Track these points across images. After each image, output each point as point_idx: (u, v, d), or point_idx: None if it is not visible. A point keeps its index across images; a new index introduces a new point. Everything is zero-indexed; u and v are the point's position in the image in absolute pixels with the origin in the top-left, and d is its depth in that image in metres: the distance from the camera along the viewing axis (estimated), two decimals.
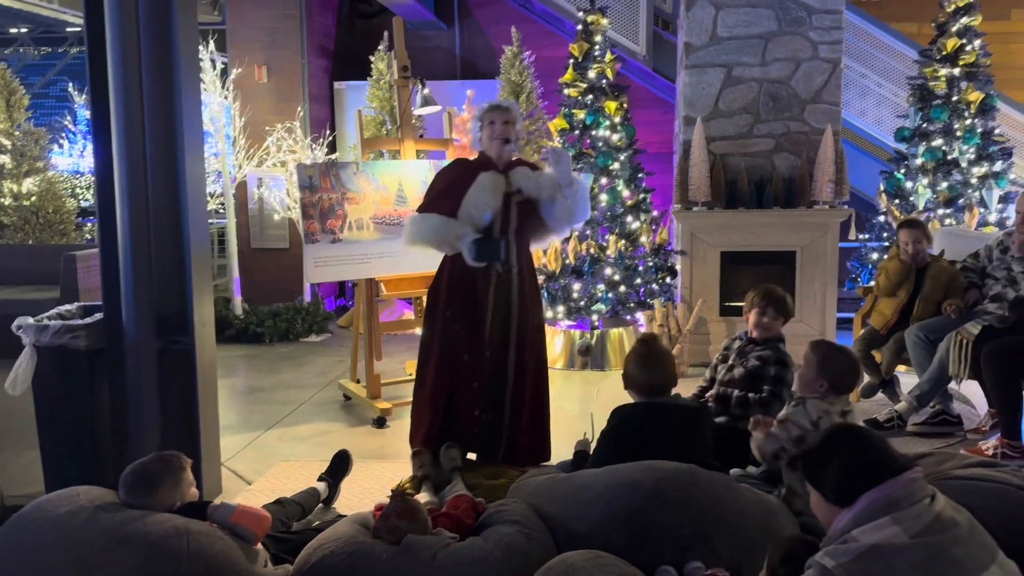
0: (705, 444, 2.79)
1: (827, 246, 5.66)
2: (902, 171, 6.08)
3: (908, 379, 4.73)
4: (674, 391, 2.91)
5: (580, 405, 4.98)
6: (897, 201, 6.02)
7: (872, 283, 5.23)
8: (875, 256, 6.03)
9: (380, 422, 4.52)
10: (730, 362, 3.55)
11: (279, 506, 3.03)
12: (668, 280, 5.91)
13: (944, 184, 5.87)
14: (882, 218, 6.12)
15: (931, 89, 5.96)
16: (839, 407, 2.87)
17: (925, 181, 5.91)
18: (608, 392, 5.17)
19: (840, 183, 5.63)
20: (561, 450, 4.06)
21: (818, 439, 2.01)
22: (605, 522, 2.49)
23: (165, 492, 2.42)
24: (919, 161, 5.97)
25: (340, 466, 3.51)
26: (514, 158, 3.77)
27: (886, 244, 6.00)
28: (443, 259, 3.73)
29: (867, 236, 6.22)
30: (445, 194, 3.61)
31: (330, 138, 7.73)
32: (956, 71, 5.89)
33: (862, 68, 6.95)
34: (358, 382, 5.01)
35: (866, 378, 4.61)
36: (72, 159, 15.41)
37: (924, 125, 5.98)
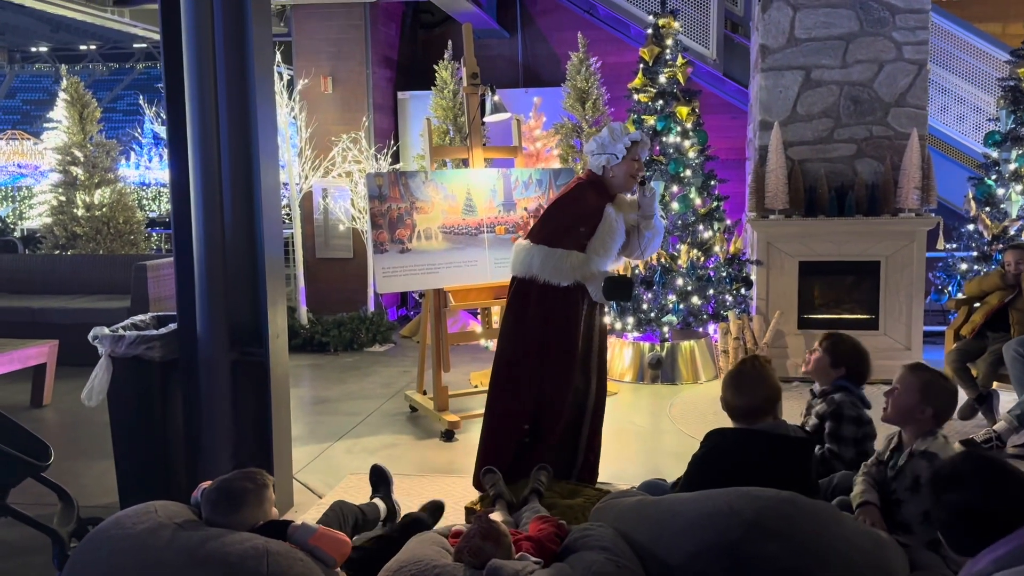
0: (806, 479, 2.58)
1: (913, 256, 5.38)
2: (993, 177, 5.77)
3: (1009, 397, 4.45)
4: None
5: (651, 420, 4.82)
6: (987, 208, 5.71)
7: (960, 295, 4.98)
8: (963, 267, 5.73)
9: (448, 435, 4.42)
10: (803, 419, 3.40)
11: (336, 512, 2.90)
12: (743, 291, 5.70)
13: None
14: (971, 227, 5.81)
15: None
16: (939, 445, 2.61)
17: (1019, 188, 5.59)
18: (680, 407, 4.99)
19: (927, 190, 5.37)
20: (635, 468, 3.92)
21: (946, 471, 1.80)
22: (700, 553, 2.33)
23: (249, 511, 2.35)
24: (1012, 167, 5.65)
25: (381, 479, 3.34)
26: None
27: (974, 254, 5.70)
28: (529, 280, 3.47)
29: (954, 245, 5.91)
30: (573, 227, 3.44)
31: (394, 148, 7.72)
32: None
33: (938, 68, 6.63)
34: (424, 393, 4.93)
35: (963, 397, 4.33)
36: (138, 171, 15.82)
37: (1017, 128, 5.67)
